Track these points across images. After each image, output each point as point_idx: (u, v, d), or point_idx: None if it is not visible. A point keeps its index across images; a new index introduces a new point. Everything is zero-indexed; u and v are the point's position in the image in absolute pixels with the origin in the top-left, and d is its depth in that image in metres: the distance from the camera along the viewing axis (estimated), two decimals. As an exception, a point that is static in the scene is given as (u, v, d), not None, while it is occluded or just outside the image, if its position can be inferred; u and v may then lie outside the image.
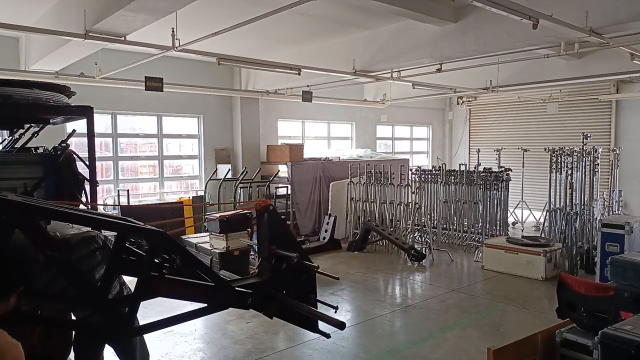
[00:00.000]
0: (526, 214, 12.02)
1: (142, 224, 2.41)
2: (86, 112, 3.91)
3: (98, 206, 5.22)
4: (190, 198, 10.30)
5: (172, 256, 2.45)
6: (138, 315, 2.30)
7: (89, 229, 2.83)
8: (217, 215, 7.64)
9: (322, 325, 2.77)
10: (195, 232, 8.92)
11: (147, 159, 10.50)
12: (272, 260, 2.72)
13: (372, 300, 6.61)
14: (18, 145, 4.87)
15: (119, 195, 9.19)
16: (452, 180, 10.07)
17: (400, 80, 9.43)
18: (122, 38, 6.13)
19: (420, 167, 10.87)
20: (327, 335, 2.84)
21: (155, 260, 2.35)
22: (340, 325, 2.50)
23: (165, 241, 2.31)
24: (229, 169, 10.69)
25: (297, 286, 2.73)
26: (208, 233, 7.88)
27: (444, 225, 10.21)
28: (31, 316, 2.33)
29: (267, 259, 2.74)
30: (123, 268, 2.46)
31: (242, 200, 10.18)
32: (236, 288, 2.54)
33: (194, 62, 9.88)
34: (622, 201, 9.84)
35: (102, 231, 2.92)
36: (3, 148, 5.01)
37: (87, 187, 4.49)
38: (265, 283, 2.67)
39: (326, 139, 13.41)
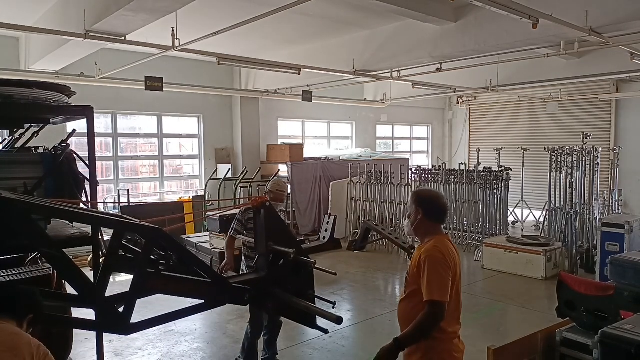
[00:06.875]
0: (526, 213, 12.02)
1: (139, 220, 2.41)
2: (86, 112, 3.89)
3: (98, 205, 5.22)
4: (191, 198, 10.31)
5: (168, 253, 2.45)
6: (139, 312, 2.29)
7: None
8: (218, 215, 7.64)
9: (320, 321, 2.77)
10: (195, 231, 8.93)
11: (147, 158, 10.52)
12: (269, 256, 2.71)
13: (372, 299, 6.61)
14: (18, 145, 4.86)
15: (119, 195, 9.21)
16: (452, 180, 10.06)
17: (400, 80, 9.43)
18: (122, 38, 6.14)
19: (420, 167, 10.88)
20: (326, 331, 2.83)
21: (152, 257, 2.34)
22: (338, 320, 2.50)
23: (162, 238, 2.31)
24: (229, 169, 10.70)
25: (294, 282, 2.72)
26: (208, 233, 7.90)
27: (444, 225, 10.19)
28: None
29: (264, 256, 2.74)
30: (119, 265, 2.47)
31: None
32: (233, 284, 2.53)
33: (194, 62, 9.88)
34: (622, 200, 9.84)
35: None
36: (3, 148, 5.01)
37: (88, 186, 4.49)
38: (263, 279, 2.66)
39: (326, 138, 13.42)
